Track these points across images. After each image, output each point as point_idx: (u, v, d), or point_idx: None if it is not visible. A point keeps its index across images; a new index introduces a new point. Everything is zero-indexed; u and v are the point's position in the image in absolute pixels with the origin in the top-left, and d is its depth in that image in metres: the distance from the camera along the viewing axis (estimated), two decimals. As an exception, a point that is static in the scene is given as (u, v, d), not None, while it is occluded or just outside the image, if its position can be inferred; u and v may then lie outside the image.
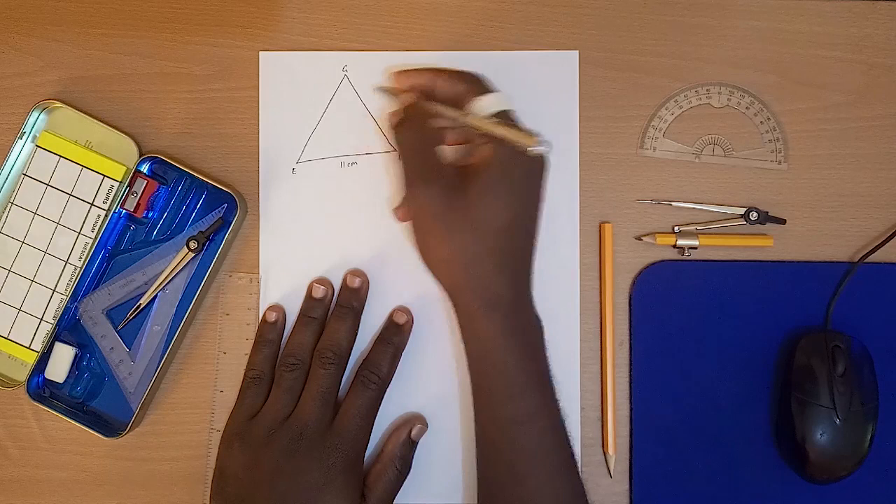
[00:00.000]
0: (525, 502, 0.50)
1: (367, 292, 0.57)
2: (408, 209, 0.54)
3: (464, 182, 0.50)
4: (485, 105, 0.51)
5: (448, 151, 0.54)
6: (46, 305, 0.57)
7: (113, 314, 0.57)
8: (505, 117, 0.51)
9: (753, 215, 0.58)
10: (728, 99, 0.59)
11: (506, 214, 0.50)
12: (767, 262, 0.58)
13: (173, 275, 0.57)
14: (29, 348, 0.57)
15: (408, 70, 0.55)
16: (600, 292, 0.58)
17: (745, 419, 0.57)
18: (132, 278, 0.57)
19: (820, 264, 0.58)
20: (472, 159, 0.52)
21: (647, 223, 0.58)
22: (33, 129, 0.58)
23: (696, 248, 0.58)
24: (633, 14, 0.59)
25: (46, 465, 0.58)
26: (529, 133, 0.49)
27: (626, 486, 0.57)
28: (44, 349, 0.56)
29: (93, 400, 0.57)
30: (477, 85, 0.53)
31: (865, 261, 0.57)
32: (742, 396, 0.57)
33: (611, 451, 0.57)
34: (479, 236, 0.50)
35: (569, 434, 0.51)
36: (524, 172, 0.51)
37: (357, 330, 0.56)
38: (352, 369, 0.56)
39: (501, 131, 0.50)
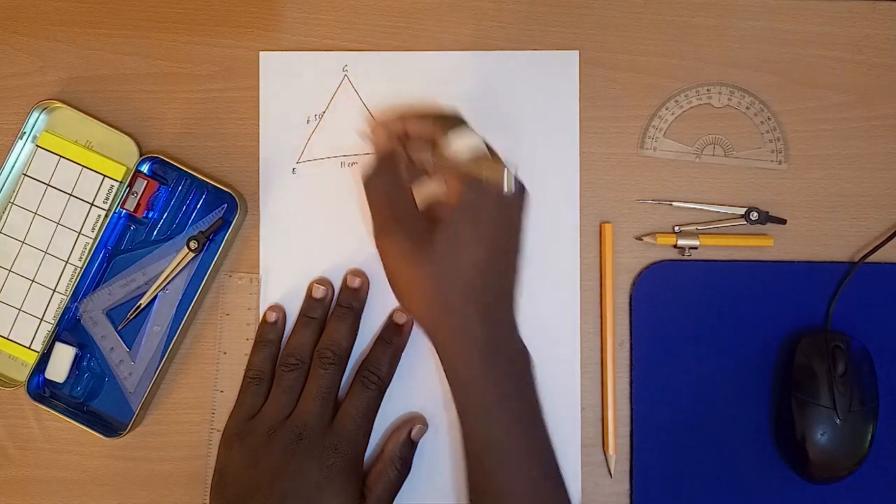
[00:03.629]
0: None
1: (368, 292, 0.57)
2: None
3: (430, 226, 0.50)
4: (455, 142, 0.51)
5: (419, 193, 0.54)
6: (47, 305, 0.57)
7: (113, 314, 0.57)
8: (478, 153, 0.51)
9: (754, 215, 0.58)
10: (728, 99, 0.59)
11: (473, 254, 0.49)
12: (767, 262, 0.58)
13: (173, 275, 0.57)
14: (29, 348, 0.57)
15: (381, 119, 0.56)
16: (600, 292, 0.58)
17: (745, 419, 0.57)
18: (132, 278, 0.57)
19: (820, 264, 0.58)
20: (440, 200, 0.52)
21: (647, 223, 0.58)
22: (33, 129, 0.58)
23: (696, 248, 0.58)
24: (633, 14, 0.59)
25: (46, 465, 0.58)
26: (498, 169, 0.48)
27: (627, 486, 0.57)
28: (44, 349, 0.56)
29: (93, 400, 0.57)
30: (448, 122, 0.52)
31: (865, 261, 0.57)
32: (742, 396, 0.57)
33: (611, 451, 0.57)
34: (447, 278, 0.49)
35: (559, 467, 0.50)
36: (495, 209, 0.50)
37: (357, 330, 0.56)
38: (352, 369, 0.56)
39: (473, 168, 0.49)
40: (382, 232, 0.52)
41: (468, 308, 0.49)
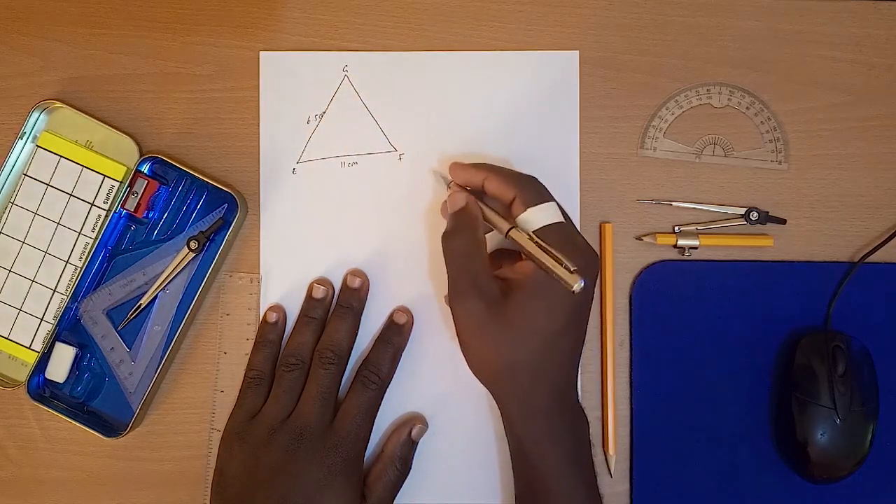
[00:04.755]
0: None
1: (368, 292, 0.57)
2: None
3: (506, 294, 0.50)
4: (533, 219, 0.50)
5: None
6: (47, 305, 0.57)
7: (113, 314, 0.57)
8: (554, 231, 0.50)
9: (754, 215, 0.58)
10: (728, 99, 0.59)
11: (544, 327, 0.49)
12: (767, 262, 0.58)
13: (174, 275, 0.57)
14: (29, 348, 0.57)
15: (465, 164, 0.54)
16: (600, 292, 0.58)
17: (745, 419, 0.57)
18: (132, 278, 0.57)
19: (820, 264, 0.58)
20: (512, 273, 0.51)
21: (647, 223, 0.58)
22: (34, 130, 0.58)
23: (696, 248, 0.58)
24: (633, 14, 0.59)
25: (46, 465, 0.58)
26: (569, 268, 0.48)
27: (627, 486, 0.57)
28: (44, 349, 0.56)
29: (93, 400, 0.57)
30: (530, 191, 0.51)
31: (865, 261, 0.57)
32: (742, 396, 0.57)
33: (611, 451, 0.57)
34: (516, 347, 0.49)
35: None
36: (562, 290, 0.49)
37: (357, 330, 0.56)
38: (352, 369, 0.56)
39: (543, 261, 0.49)
40: (458, 293, 0.51)
41: (534, 379, 0.50)
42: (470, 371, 0.52)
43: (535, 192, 0.52)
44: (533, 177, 0.53)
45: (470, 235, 0.52)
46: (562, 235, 0.50)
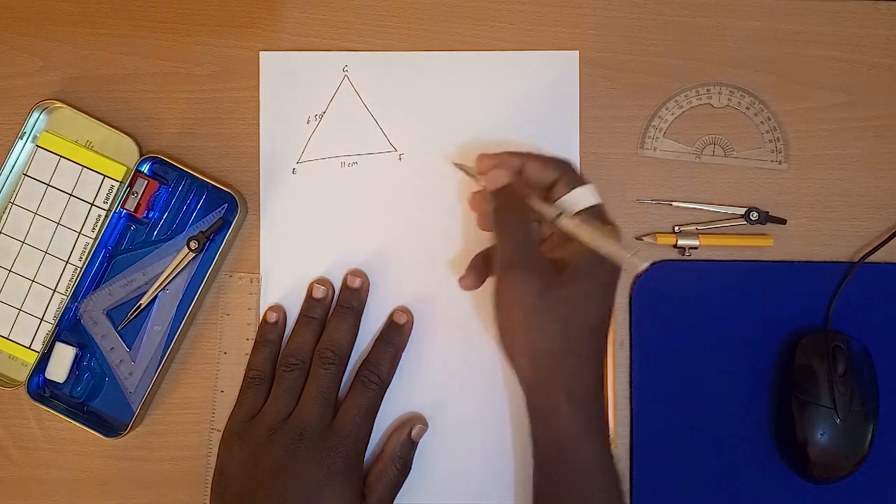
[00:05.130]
0: None
1: (368, 292, 0.57)
2: (478, 280, 0.53)
3: (558, 275, 0.48)
4: (573, 202, 0.50)
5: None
6: (47, 305, 0.57)
7: (113, 314, 0.57)
8: (594, 213, 0.50)
9: (754, 215, 0.58)
10: (728, 99, 0.59)
11: (598, 312, 0.49)
12: (767, 262, 0.58)
13: (174, 275, 0.57)
14: (29, 348, 0.57)
15: (494, 154, 0.52)
16: (600, 292, 0.58)
17: (745, 419, 0.57)
18: (132, 278, 0.57)
19: (820, 264, 0.58)
20: (561, 252, 0.50)
21: (647, 223, 0.58)
22: (33, 130, 0.58)
23: (696, 249, 0.58)
24: (633, 14, 0.59)
25: (46, 465, 0.58)
26: (618, 243, 0.47)
27: (627, 486, 0.57)
28: (44, 349, 0.56)
29: (93, 400, 0.57)
30: (567, 175, 0.51)
31: (865, 261, 0.57)
32: (742, 396, 0.57)
33: (611, 451, 0.57)
34: (571, 331, 0.48)
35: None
36: (610, 270, 0.49)
37: (357, 330, 0.56)
38: (352, 369, 0.56)
39: (593, 240, 0.48)
40: (513, 268, 0.49)
41: (586, 362, 0.49)
42: (505, 358, 0.50)
43: (576, 174, 0.51)
44: (569, 160, 0.52)
45: (522, 210, 0.50)
46: (604, 217, 0.50)
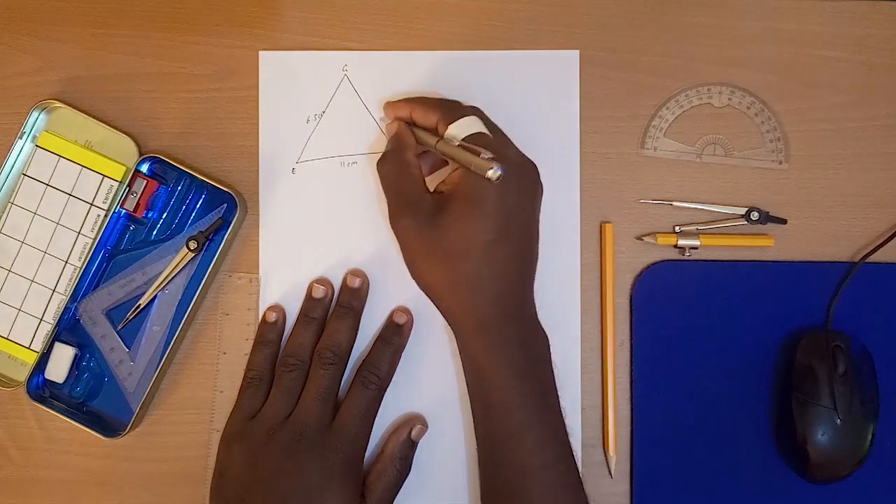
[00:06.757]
0: None
1: (368, 292, 0.57)
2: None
3: (440, 208, 0.51)
4: (455, 130, 0.51)
5: (428, 176, 0.55)
6: (46, 305, 0.57)
7: (113, 314, 0.57)
8: (478, 140, 0.51)
9: (754, 215, 0.58)
10: (729, 99, 0.58)
11: (477, 238, 0.50)
12: (768, 262, 0.58)
13: (173, 275, 0.57)
14: (29, 348, 0.57)
15: (392, 102, 0.56)
16: (601, 292, 0.58)
17: (745, 419, 0.57)
18: (132, 278, 0.57)
19: (820, 264, 0.58)
20: (445, 186, 0.52)
21: (647, 223, 0.58)
22: (33, 129, 0.58)
23: (696, 248, 0.57)
24: (633, 14, 0.59)
25: (46, 465, 0.58)
26: (485, 156, 0.48)
27: (627, 486, 0.57)
28: (44, 349, 0.56)
29: (93, 400, 0.57)
30: (450, 111, 0.53)
31: (866, 261, 0.57)
32: (742, 396, 0.57)
33: (611, 451, 0.57)
34: (455, 262, 0.50)
35: (572, 450, 0.51)
36: (498, 194, 0.50)
37: (357, 330, 0.56)
38: (352, 369, 0.56)
39: (460, 156, 0.50)
40: (395, 214, 0.52)
41: (475, 290, 0.50)
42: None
43: (455, 109, 0.53)
44: (456, 101, 0.55)
45: (399, 157, 0.53)
46: (486, 140, 0.51)
